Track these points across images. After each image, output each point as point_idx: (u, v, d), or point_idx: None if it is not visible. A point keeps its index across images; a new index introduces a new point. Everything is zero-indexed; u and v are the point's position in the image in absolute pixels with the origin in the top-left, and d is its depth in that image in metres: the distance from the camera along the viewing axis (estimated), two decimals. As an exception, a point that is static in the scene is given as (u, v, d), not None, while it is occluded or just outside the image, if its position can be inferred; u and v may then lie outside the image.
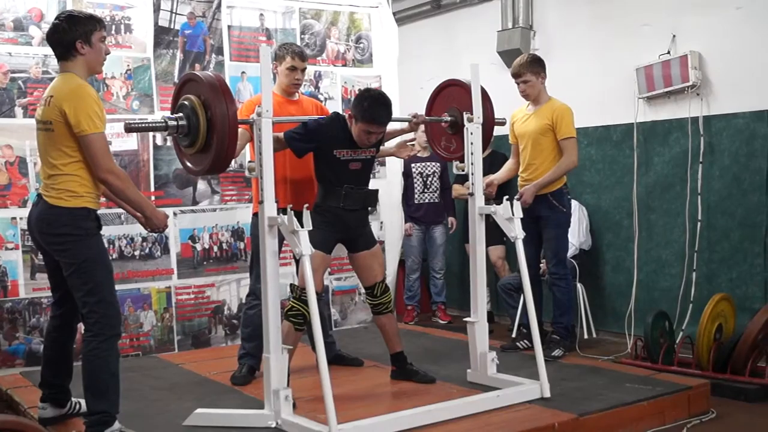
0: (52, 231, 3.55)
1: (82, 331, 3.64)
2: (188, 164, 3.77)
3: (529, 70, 5.13)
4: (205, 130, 3.55)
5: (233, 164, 5.79)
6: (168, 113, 5.49)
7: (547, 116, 5.12)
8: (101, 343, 3.52)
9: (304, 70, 4.74)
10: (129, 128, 3.69)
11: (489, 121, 4.58)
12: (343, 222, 4.28)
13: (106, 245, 5.21)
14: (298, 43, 6.14)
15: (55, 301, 3.87)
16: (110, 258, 5.17)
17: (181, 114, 3.61)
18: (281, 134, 4.09)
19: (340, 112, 6.18)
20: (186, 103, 3.61)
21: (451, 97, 4.67)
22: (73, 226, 3.51)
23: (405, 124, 4.66)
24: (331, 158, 4.20)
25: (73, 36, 3.55)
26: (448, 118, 4.66)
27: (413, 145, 4.77)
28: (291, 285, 4.26)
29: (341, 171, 4.25)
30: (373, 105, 4.15)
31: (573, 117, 5.13)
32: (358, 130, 4.16)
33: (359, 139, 4.19)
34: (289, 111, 4.66)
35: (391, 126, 4.59)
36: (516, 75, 5.18)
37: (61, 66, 3.65)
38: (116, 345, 3.61)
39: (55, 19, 3.64)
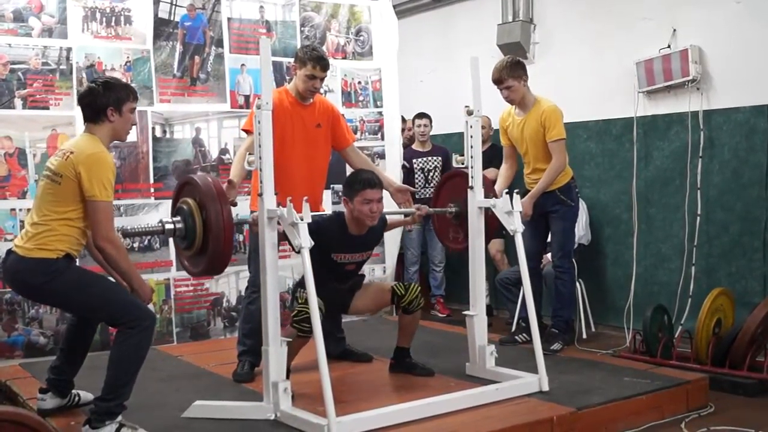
0: (27, 286, 3.64)
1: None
2: (186, 265, 3.84)
3: (510, 75, 5.08)
4: (201, 233, 3.61)
5: (233, 156, 5.80)
6: (166, 106, 5.60)
7: (537, 120, 5.09)
8: (136, 335, 3.56)
9: (323, 78, 4.65)
10: (126, 234, 3.75)
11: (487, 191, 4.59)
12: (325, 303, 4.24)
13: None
14: (298, 35, 6.14)
15: None
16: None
17: (178, 217, 3.68)
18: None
19: (341, 103, 6.22)
20: (184, 207, 3.68)
21: (456, 188, 4.66)
22: (44, 273, 3.53)
23: (406, 211, 4.65)
24: (327, 259, 4.20)
25: (105, 102, 3.63)
26: (453, 209, 4.66)
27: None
28: (298, 289, 4.23)
29: (335, 270, 4.28)
30: (357, 174, 4.28)
31: (561, 116, 5.11)
32: (358, 206, 4.13)
33: (362, 214, 4.14)
34: (301, 115, 4.62)
35: (393, 218, 4.65)
36: (497, 81, 5.11)
37: (87, 127, 3.70)
38: (150, 335, 3.65)
39: (91, 82, 3.74)
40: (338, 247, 4.24)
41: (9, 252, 3.68)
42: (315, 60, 4.53)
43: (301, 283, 4.20)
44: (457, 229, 4.76)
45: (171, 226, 3.67)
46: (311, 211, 3.66)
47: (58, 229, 3.54)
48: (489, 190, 4.60)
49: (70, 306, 3.75)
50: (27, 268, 3.55)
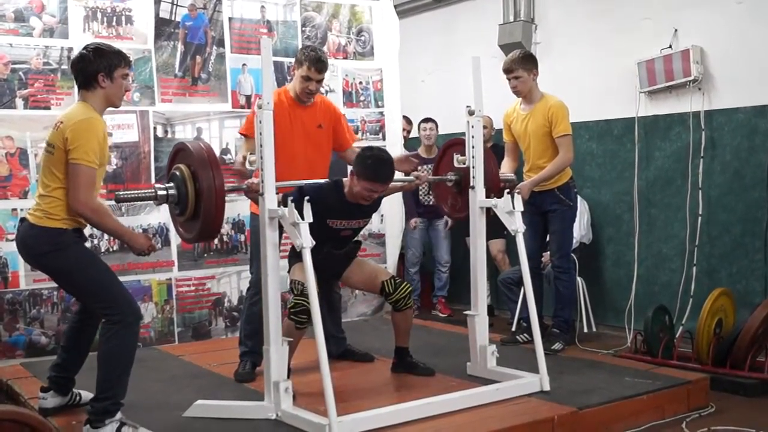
0: (33, 252, 3.66)
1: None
2: (180, 230, 3.86)
3: (520, 66, 5.11)
4: (194, 200, 3.62)
5: (234, 156, 5.81)
6: (168, 106, 5.61)
7: (543, 115, 5.11)
8: (119, 331, 3.57)
9: (320, 80, 4.60)
10: (119, 200, 3.75)
11: (494, 182, 4.58)
12: (320, 269, 4.27)
13: (107, 237, 5.25)
14: (299, 35, 6.14)
15: None
16: (111, 249, 5.27)
17: (171, 183, 3.68)
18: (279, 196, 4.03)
19: (342, 103, 6.23)
20: (177, 173, 3.68)
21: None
22: (51, 243, 3.57)
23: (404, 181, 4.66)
24: (323, 225, 4.17)
25: (96, 68, 3.62)
26: (453, 178, 4.65)
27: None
28: (292, 281, 4.24)
29: (330, 236, 4.27)
30: (376, 163, 4.13)
31: (568, 113, 5.12)
32: (361, 188, 4.12)
33: (360, 195, 4.14)
34: (301, 116, 4.61)
35: (392, 184, 4.60)
36: (507, 71, 5.16)
37: (80, 94, 3.71)
38: (135, 333, 3.66)
39: (83, 48, 3.71)
40: (334, 213, 4.23)
41: (22, 219, 3.73)
42: (311, 61, 4.50)
43: (294, 254, 4.20)
44: (456, 197, 4.76)
45: (164, 193, 3.67)
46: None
47: (60, 198, 3.56)
48: (496, 185, 4.59)
49: (65, 282, 3.75)
50: (34, 234, 3.59)
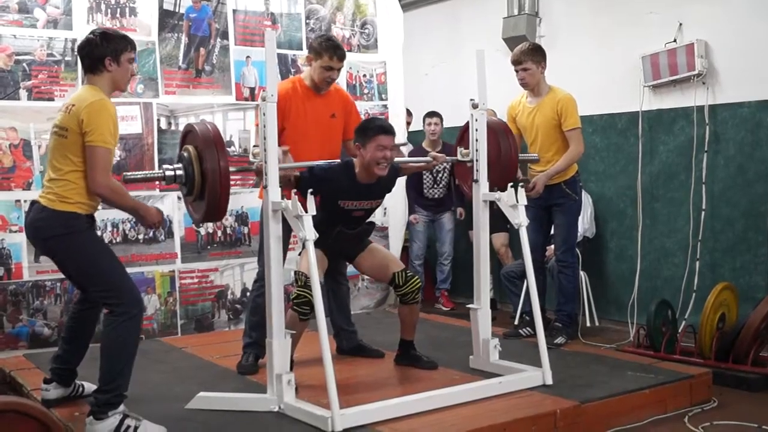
0: (43, 235, 3.65)
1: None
2: (190, 209, 3.92)
3: (530, 57, 5.11)
4: (200, 181, 3.65)
5: (238, 149, 5.82)
6: (171, 98, 5.61)
7: (552, 108, 5.11)
8: (122, 323, 3.58)
9: (340, 69, 4.62)
10: (127, 180, 3.79)
11: (512, 161, 4.59)
12: (332, 247, 4.31)
13: (111, 228, 5.27)
14: (303, 28, 6.13)
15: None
16: (115, 241, 5.28)
17: (180, 164, 3.73)
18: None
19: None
20: (185, 153, 3.72)
21: None
22: (63, 226, 3.58)
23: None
24: (335, 206, 4.19)
25: (103, 52, 3.65)
26: (470, 157, 4.64)
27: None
28: (295, 272, 4.25)
29: (342, 217, 4.26)
30: (374, 120, 4.30)
31: (576, 106, 5.12)
32: (371, 152, 4.11)
33: (374, 161, 4.12)
34: (315, 105, 4.60)
35: (410, 164, 4.70)
36: (516, 62, 5.15)
37: (87, 78, 3.74)
38: (138, 325, 3.66)
39: (89, 33, 3.73)
40: (345, 194, 4.22)
41: (33, 202, 3.73)
42: (332, 50, 4.50)
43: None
44: None
45: (171, 173, 3.72)
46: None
47: (74, 181, 3.57)
48: (514, 164, 4.63)
49: (71, 267, 3.74)
50: (47, 217, 3.59)
